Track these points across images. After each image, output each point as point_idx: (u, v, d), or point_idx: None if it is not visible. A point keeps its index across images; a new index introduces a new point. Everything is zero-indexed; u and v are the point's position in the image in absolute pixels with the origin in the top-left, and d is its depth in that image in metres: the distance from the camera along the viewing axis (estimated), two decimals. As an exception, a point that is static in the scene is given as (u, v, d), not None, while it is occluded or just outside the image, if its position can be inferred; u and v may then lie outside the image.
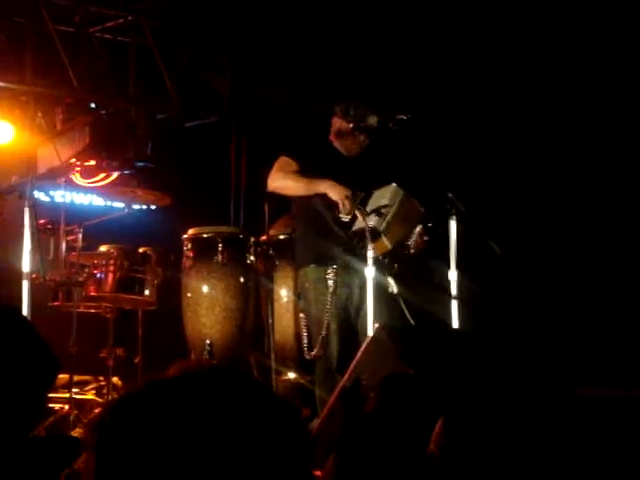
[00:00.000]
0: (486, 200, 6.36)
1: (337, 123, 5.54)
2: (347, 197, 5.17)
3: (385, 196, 5.22)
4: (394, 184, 5.25)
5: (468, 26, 7.24)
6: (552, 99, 7.16)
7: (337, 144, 5.55)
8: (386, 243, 5.18)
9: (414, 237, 5.27)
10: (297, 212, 5.60)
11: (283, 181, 5.45)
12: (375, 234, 5.08)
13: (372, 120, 5.39)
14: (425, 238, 5.30)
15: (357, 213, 5.13)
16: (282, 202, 6.01)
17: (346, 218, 5.20)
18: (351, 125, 5.44)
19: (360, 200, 5.20)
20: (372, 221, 5.12)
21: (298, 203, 5.53)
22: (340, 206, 5.18)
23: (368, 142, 5.50)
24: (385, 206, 5.18)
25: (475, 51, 7.27)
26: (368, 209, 5.16)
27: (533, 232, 7.09)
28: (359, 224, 5.15)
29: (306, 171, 5.41)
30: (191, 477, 1.52)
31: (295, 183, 5.41)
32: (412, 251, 5.28)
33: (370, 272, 5.01)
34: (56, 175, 5.23)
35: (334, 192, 5.23)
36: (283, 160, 5.48)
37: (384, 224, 5.14)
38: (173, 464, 1.51)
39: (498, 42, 7.22)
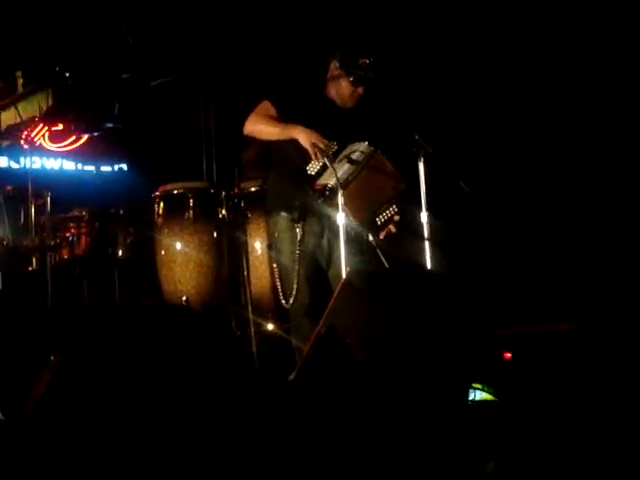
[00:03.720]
0: (452, 139, 6.34)
1: (338, 76, 5.45)
2: (316, 144, 5.12)
3: (354, 156, 5.18)
4: (367, 144, 5.21)
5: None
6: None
7: (332, 93, 5.48)
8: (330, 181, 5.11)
9: (386, 213, 5.22)
10: (272, 159, 5.55)
11: (258, 125, 5.43)
12: (331, 193, 5.06)
13: (370, 73, 5.34)
14: (396, 218, 5.24)
15: (326, 162, 5.09)
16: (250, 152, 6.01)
17: (312, 171, 5.15)
18: (351, 78, 5.37)
19: (333, 152, 5.15)
20: (339, 172, 5.08)
21: (273, 149, 5.49)
22: (311, 153, 5.14)
23: (363, 94, 5.42)
24: (354, 161, 5.14)
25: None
26: (337, 161, 5.12)
27: (500, 169, 7.11)
28: (325, 178, 5.10)
29: (286, 116, 5.35)
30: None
31: (269, 127, 5.38)
32: (380, 233, 5.22)
33: (341, 218, 4.99)
34: (17, 132, 5.17)
35: (304, 138, 5.19)
36: (264, 105, 5.46)
37: (346, 177, 5.10)
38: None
39: None
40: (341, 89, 5.45)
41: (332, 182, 5.05)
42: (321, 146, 5.12)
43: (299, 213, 5.22)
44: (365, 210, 5.21)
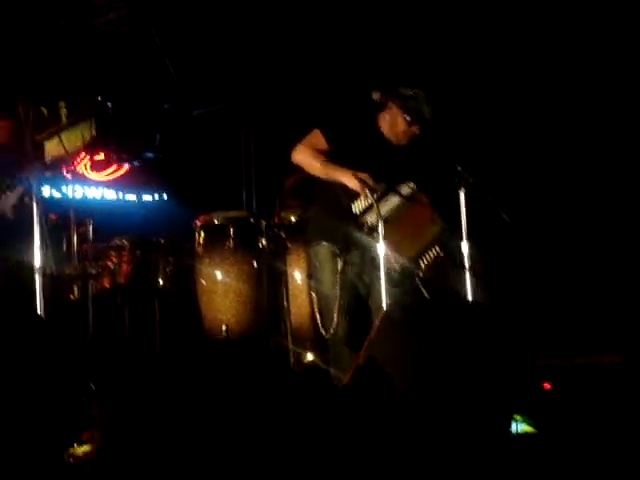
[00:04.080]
0: (494, 170, 6.33)
1: (394, 113, 5.39)
2: (364, 188, 5.09)
3: (402, 192, 5.18)
4: (414, 184, 5.21)
5: None
6: (558, 65, 7.12)
7: (386, 130, 5.43)
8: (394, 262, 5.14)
9: (430, 254, 5.22)
10: (315, 189, 5.52)
11: (307, 158, 5.36)
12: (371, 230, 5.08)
13: (427, 112, 5.34)
14: (440, 256, 5.24)
15: (373, 203, 5.06)
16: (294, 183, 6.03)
17: (357, 210, 5.14)
18: (408, 118, 5.35)
19: (380, 194, 5.15)
20: (383, 208, 5.09)
21: (318, 181, 5.45)
22: (362, 196, 5.12)
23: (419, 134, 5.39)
24: (398, 198, 5.15)
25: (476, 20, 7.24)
26: (382, 206, 5.10)
27: (542, 200, 7.07)
28: (369, 215, 5.10)
29: (336, 151, 5.32)
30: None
31: (317, 164, 5.32)
32: (421, 274, 5.22)
33: (382, 249, 4.99)
34: (61, 163, 5.23)
35: (352, 184, 5.15)
36: (314, 135, 5.38)
37: (388, 213, 5.11)
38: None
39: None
40: (396, 127, 5.39)
41: (374, 218, 5.04)
42: (369, 190, 5.08)
43: (341, 244, 5.21)
44: (406, 244, 5.20)
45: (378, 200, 5.09)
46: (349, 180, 5.17)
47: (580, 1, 7.05)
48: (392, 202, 5.20)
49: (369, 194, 5.06)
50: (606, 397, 5.06)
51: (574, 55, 7.09)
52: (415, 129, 5.35)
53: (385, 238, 5.02)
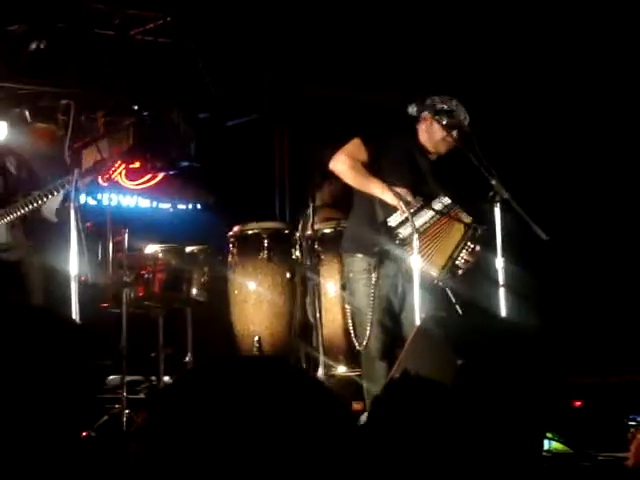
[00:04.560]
0: (530, 185, 6.31)
1: (431, 124, 5.37)
2: (403, 200, 5.09)
3: (436, 207, 5.19)
4: (447, 197, 5.21)
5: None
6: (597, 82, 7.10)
7: (424, 139, 5.40)
8: (432, 272, 5.16)
9: (464, 256, 5.22)
10: (355, 200, 5.50)
11: (345, 169, 5.29)
12: (402, 242, 5.08)
13: (463, 114, 5.35)
14: (477, 250, 5.24)
15: (409, 218, 5.07)
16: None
17: (394, 223, 5.14)
18: (444, 122, 5.35)
19: (416, 208, 5.14)
20: (419, 221, 5.10)
21: (358, 193, 5.44)
22: (398, 210, 5.12)
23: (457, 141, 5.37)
24: (433, 211, 5.15)
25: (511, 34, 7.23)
26: (416, 220, 5.11)
27: (580, 217, 7.04)
28: (405, 228, 5.10)
29: (375, 161, 5.29)
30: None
31: (357, 177, 5.27)
32: (461, 272, 5.22)
33: (416, 262, 4.98)
34: (99, 169, 5.26)
35: (388, 197, 5.16)
36: (355, 143, 5.31)
37: (423, 225, 5.12)
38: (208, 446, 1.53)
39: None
40: (433, 134, 5.38)
41: (409, 231, 5.04)
42: (405, 205, 5.08)
43: (376, 257, 5.20)
44: (437, 255, 5.19)
45: (414, 214, 5.09)
46: (386, 194, 5.16)
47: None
48: (426, 216, 5.19)
49: (405, 209, 5.06)
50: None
51: (615, 73, 7.07)
52: (452, 134, 5.33)
53: (421, 248, 5.03)
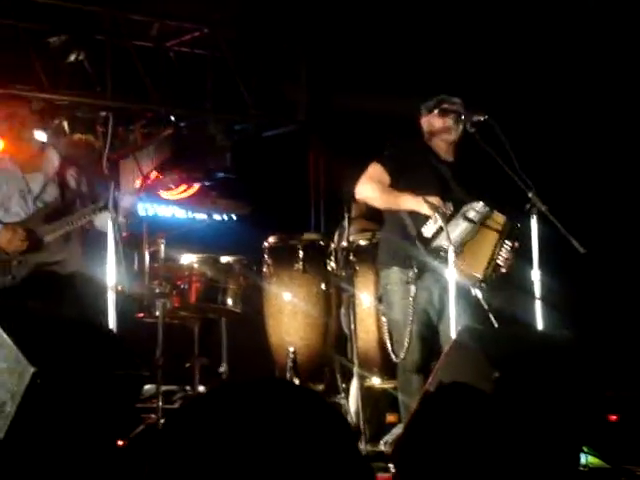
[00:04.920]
0: (568, 198, 6.28)
1: (428, 121, 5.47)
2: (438, 209, 5.09)
3: (469, 215, 5.16)
4: (482, 204, 5.19)
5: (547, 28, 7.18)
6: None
7: (433, 144, 5.47)
8: (471, 270, 5.15)
9: (504, 254, 5.21)
10: (385, 215, 5.53)
11: (372, 193, 5.38)
12: (446, 253, 5.06)
13: (455, 101, 5.39)
14: (516, 246, 5.24)
15: (442, 225, 5.06)
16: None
17: (428, 233, 5.14)
18: (436, 111, 5.39)
19: (449, 215, 5.13)
20: (455, 232, 5.09)
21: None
22: (432, 219, 5.12)
23: (463, 136, 5.40)
24: (469, 220, 5.13)
25: (554, 49, 7.20)
26: (452, 229, 5.10)
27: (618, 230, 7.00)
28: (441, 239, 5.09)
29: (399, 180, 5.33)
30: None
31: (383, 198, 5.35)
32: (504, 270, 5.22)
33: (452, 275, 4.97)
34: (133, 181, 5.31)
35: (423, 208, 5.16)
36: (375, 169, 5.39)
37: (458, 246, 5.08)
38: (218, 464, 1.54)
39: (580, 41, 7.15)
40: (434, 128, 5.42)
41: (446, 243, 5.03)
42: (439, 214, 5.08)
43: (413, 269, 5.20)
44: (482, 259, 5.19)
45: (448, 222, 5.08)
46: (419, 206, 5.17)
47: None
48: (462, 226, 5.18)
49: (440, 218, 5.06)
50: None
51: None
52: (451, 121, 5.35)
53: (461, 261, 5.03)
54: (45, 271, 5.21)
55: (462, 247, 5.09)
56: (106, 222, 5.00)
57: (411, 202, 5.21)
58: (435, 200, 5.15)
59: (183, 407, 1.58)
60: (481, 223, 5.20)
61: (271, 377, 5.53)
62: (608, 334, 6.70)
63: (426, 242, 5.14)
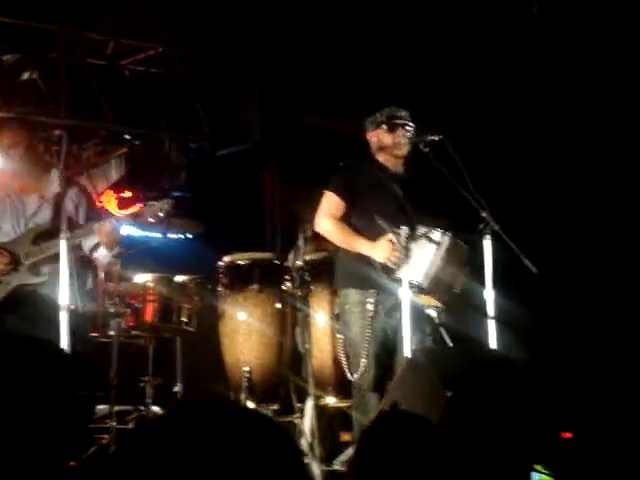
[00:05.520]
0: (520, 218, 6.33)
1: (376, 135, 5.48)
2: (390, 257, 5.07)
3: (432, 243, 5.14)
4: (441, 231, 5.16)
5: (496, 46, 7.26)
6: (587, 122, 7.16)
7: (381, 159, 5.48)
8: (435, 301, 5.15)
9: (460, 284, 5.21)
10: None
11: (329, 230, 5.37)
12: (421, 290, 5.06)
13: (400, 111, 5.42)
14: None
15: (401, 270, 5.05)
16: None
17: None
18: (384, 126, 5.40)
19: (406, 237, 5.11)
20: (418, 277, 5.05)
21: (350, 226, 5.45)
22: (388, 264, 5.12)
23: (410, 148, 5.42)
24: (433, 258, 5.11)
25: (509, 71, 7.28)
26: (413, 255, 5.07)
27: (570, 250, 7.07)
28: (407, 271, 5.06)
29: (354, 204, 5.34)
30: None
31: (340, 238, 5.35)
32: (458, 291, 5.22)
33: (405, 294, 4.97)
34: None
35: (377, 255, 5.14)
36: (330, 200, 5.38)
37: (430, 281, 5.07)
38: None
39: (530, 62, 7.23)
40: (384, 144, 5.44)
41: (418, 279, 5.02)
42: (395, 259, 5.06)
43: (371, 289, 5.21)
44: (448, 291, 5.19)
45: (408, 241, 5.06)
46: (373, 253, 5.16)
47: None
48: (428, 255, 5.12)
49: (394, 261, 5.05)
50: (626, 448, 5.04)
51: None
52: (400, 134, 5.38)
53: (431, 292, 5.05)
54: (23, 292, 5.17)
55: (434, 283, 5.07)
56: (90, 246, 5.02)
57: (365, 248, 5.21)
58: (387, 247, 5.10)
59: (135, 430, 1.59)
60: (445, 252, 5.16)
61: (221, 400, 5.50)
62: (561, 353, 6.76)
63: (384, 267, 5.13)
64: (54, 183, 5.27)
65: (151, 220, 5.16)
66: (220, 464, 1.59)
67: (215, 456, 1.60)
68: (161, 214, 5.11)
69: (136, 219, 5.22)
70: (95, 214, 5.32)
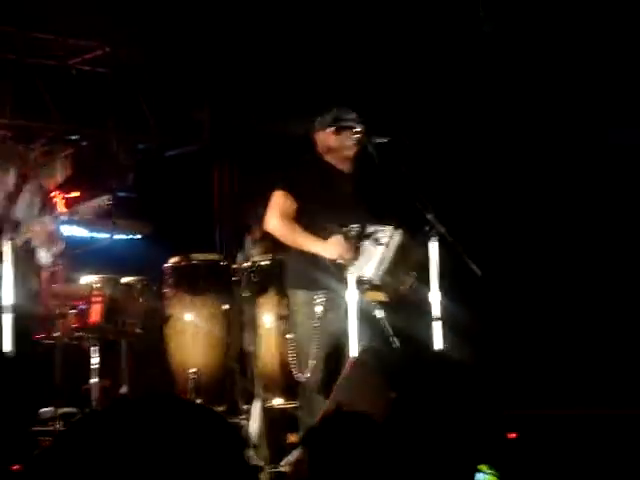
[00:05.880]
0: (466, 221, 6.38)
1: (323, 137, 5.49)
2: (342, 255, 5.10)
3: (383, 240, 5.17)
4: (392, 227, 5.21)
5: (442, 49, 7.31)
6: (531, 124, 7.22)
7: (330, 159, 5.50)
8: (383, 296, 5.18)
9: (409, 282, 5.24)
10: None
11: (279, 230, 5.37)
12: (371, 285, 5.09)
13: (350, 114, 5.41)
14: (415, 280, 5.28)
15: (351, 268, 5.07)
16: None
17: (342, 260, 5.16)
18: (332, 128, 5.41)
19: (356, 235, 5.14)
20: (369, 272, 5.10)
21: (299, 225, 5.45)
22: (339, 262, 5.13)
23: (358, 150, 5.43)
24: (383, 254, 5.14)
25: (451, 72, 7.33)
26: (363, 253, 5.10)
27: (514, 252, 7.13)
28: (358, 267, 5.09)
29: (304, 204, 5.36)
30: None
31: (290, 238, 5.35)
32: (402, 293, 5.25)
33: (352, 295, 4.99)
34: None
35: (328, 254, 5.17)
36: (280, 199, 5.38)
37: (380, 277, 5.12)
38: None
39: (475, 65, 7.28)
40: (331, 146, 5.45)
41: (368, 275, 5.05)
42: (347, 257, 5.08)
43: (319, 290, 5.22)
44: (397, 287, 5.22)
45: (359, 240, 5.09)
46: (324, 251, 5.18)
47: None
48: (377, 254, 5.15)
49: (345, 262, 5.07)
50: (570, 449, 5.09)
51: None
52: (347, 136, 5.40)
53: (380, 287, 5.06)
54: None
55: (383, 279, 5.11)
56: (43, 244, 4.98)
57: (316, 247, 5.22)
58: (338, 245, 5.13)
59: (74, 423, 1.57)
60: (395, 248, 5.20)
61: (157, 394, 5.47)
62: (505, 354, 6.81)
63: (335, 265, 5.15)
64: (9, 183, 5.23)
65: (88, 216, 5.12)
66: (157, 455, 1.59)
67: (152, 448, 1.59)
68: (97, 209, 5.07)
69: (72, 216, 5.17)
70: (48, 213, 5.27)
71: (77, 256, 6.28)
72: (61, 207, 7.11)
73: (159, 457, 1.58)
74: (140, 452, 1.59)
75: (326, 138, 5.48)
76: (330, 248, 5.15)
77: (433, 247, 5.18)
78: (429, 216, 5.21)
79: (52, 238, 5.17)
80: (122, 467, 1.59)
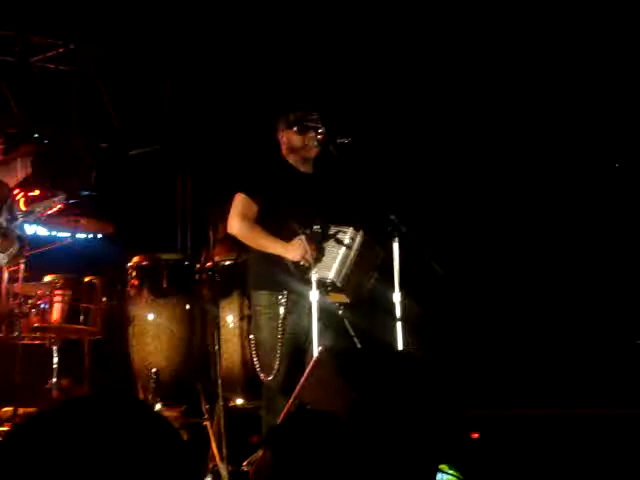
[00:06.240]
0: (428, 221, 6.40)
1: (287, 136, 5.49)
2: (304, 257, 5.10)
3: (345, 241, 5.18)
4: (353, 228, 5.21)
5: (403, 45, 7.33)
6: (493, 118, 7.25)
7: (291, 159, 5.50)
8: (345, 298, 5.19)
9: (371, 283, 5.25)
10: None
11: (242, 232, 5.35)
12: (334, 287, 5.09)
13: (311, 115, 5.42)
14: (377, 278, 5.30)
15: (314, 269, 5.07)
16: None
17: (305, 263, 5.16)
18: (295, 128, 5.40)
19: (318, 236, 5.13)
20: (331, 274, 5.10)
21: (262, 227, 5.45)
22: (301, 263, 5.13)
23: (320, 150, 5.43)
24: (345, 256, 5.14)
25: (416, 72, 7.35)
26: (326, 253, 5.11)
27: (476, 251, 7.16)
28: (320, 270, 5.09)
29: (267, 208, 5.34)
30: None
31: (253, 240, 5.34)
32: (364, 294, 5.27)
33: (314, 295, 5.00)
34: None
35: (291, 256, 5.17)
36: (241, 202, 5.36)
37: (343, 279, 5.12)
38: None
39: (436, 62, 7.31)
40: (293, 145, 5.46)
41: (330, 277, 5.06)
42: (310, 258, 5.08)
43: (282, 291, 5.21)
44: (359, 288, 5.23)
45: (321, 241, 5.10)
46: (286, 253, 5.18)
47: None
48: (340, 255, 5.16)
49: (308, 261, 5.07)
50: (532, 448, 5.12)
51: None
52: (311, 136, 5.41)
53: (344, 289, 5.06)
54: None
55: (346, 280, 5.12)
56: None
57: (279, 248, 5.22)
58: (300, 247, 5.13)
59: (19, 425, 1.55)
60: (357, 248, 5.21)
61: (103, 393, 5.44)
62: (469, 353, 6.84)
63: (296, 266, 5.15)
64: None
65: (43, 215, 5.08)
66: (99, 456, 1.57)
67: (83, 450, 1.58)
68: (52, 207, 5.04)
69: (27, 215, 5.14)
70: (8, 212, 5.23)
71: (39, 255, 6.23)
72: (22, 206, 7.05)
73: (89, 458, 1.57)
74: (71, 454, 1.58)
75: (289, 138, 5.48)
76: (292, 250, 5.15)
77: (395, 247, 5.20)
78: (391, 216, 5.23)
79: (6, 239, 5.12)
80: (51, 468, 1.58)
